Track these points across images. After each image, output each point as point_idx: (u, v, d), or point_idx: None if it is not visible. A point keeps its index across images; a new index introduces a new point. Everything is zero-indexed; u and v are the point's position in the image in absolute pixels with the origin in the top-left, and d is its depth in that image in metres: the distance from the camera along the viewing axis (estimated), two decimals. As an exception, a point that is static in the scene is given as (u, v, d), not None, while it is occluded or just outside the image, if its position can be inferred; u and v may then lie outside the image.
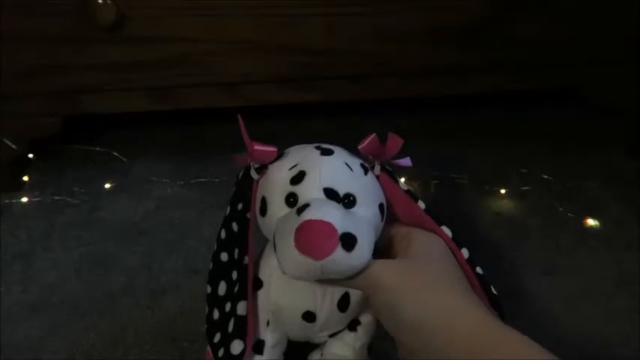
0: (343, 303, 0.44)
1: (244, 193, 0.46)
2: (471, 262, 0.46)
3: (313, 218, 0.39)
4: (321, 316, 0.44)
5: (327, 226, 0.38)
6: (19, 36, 0.69)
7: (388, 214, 0.45)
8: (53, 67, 0.72)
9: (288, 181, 0.43)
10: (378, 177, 0.46)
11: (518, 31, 0.73)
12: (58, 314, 0.66)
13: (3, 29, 0.68)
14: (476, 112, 0.94)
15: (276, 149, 0.45)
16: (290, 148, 0.47)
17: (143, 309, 0.66)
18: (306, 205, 0.40)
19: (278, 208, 0.43)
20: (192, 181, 0.83)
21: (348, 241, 0.39)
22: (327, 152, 0.44)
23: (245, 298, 0.44)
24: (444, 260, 0.43)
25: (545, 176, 0.82)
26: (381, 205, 0.44)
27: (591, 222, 0.76)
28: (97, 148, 0.87)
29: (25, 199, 0.81)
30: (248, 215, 0.45)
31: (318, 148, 0.45)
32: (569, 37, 0.74)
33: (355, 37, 0.72)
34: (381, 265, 0.41)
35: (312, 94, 0.77)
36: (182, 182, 0.83)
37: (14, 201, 0.81)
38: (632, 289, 0.67)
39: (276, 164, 0.45)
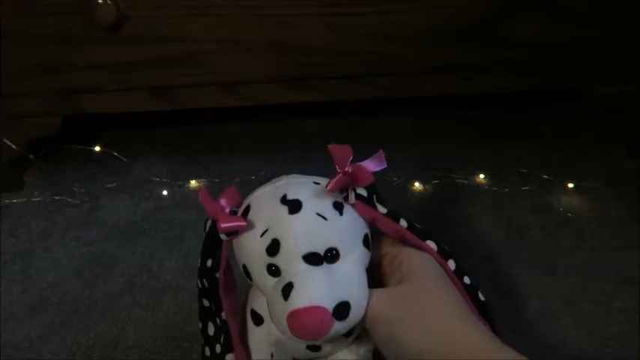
0: (349, 331, 0.44)
1: (213, 250, 0.44)
2: (458, 273, 0.45)
3: (301, 306, 0.38)
4: (326, 346, 0.44)
5: (318, 312, 0.38)
6: (19, 36, 0.69)
7: (374, 234, 0.44)
8: (53, 67, 0.72)
9: (264, 252, 0.40)
10: (353, 205, 0.43)
11: (518, 31, 0.73)
12: (58, 314, 0.66)
13: (3, 29, 0.68)
14: (476, 111, 0.94)
15: (244, 222, 0.41)
16: (252, 199, 0.43)
17: (143, 309, 0.66)
18: (290, 286, 0.39)
19: (262, 278, 0.41)
20: (192, 181, 0.83)
21: (342, 312, 0.38)
22: (295, 208, 0.40)
23: (232, 350, 0.44)
24: (437, 280, 0.42)
25: (545, 176, 0.82)
26: (365, 238, 0.43)
27: (591, 222, 0.76)
28: (97, 148, 0.87)
29: (25, 199, 0.81)
30: (217, 275, 0.44)
31: (284, 201, 0.41)
32: (569, 36, 0.74)
33: (355, 37, 0.72)
34: (377, 297, 0.41)
35: (311, 94, 0.77)
36: (182, 182, 0.83)
37: (14, 201, 0.81)
38: (632, 289, 0.67)
39: (246, 232, 0.41)
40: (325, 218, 0.41)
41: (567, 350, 0.61)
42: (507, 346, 0.38)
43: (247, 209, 0.43)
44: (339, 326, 0.39)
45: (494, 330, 0.45)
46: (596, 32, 0.74)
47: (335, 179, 0.41)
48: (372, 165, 0.43)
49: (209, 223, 0.44)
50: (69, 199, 0.81)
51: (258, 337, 0.45)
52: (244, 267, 0.42)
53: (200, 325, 0.47)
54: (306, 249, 0.40)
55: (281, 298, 0.39)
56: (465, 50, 0.75)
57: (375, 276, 0.44)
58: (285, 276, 0.40)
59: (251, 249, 0.41)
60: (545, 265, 0.70)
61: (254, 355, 0.46)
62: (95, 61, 0.72)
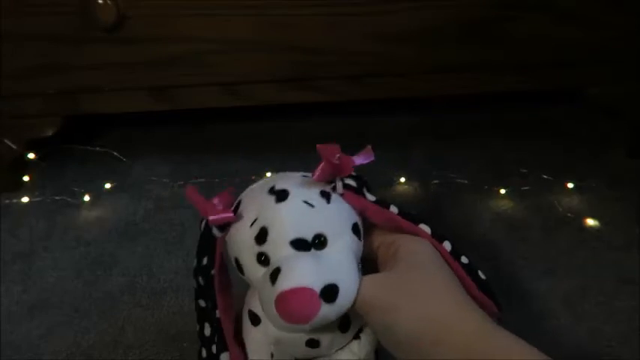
0: (344, 324, 0.44)
1: (208, 248, 0.44)
2: (454, 254, 0.45)
3: (287, 288, 0.38)
4: (324, 341, 0.44)
5: (304, 292, 0.37)
6: (19, 36, 0.69)
7: (366, 225, 0.44)
8: (53, 67, 0.72)
9: (253, 240, 0.41)
10: (342, 194, 0.44)
11: (519, 30, 0.73)
12: (58, 314, 0.66)
13: (3, 29, 0.68)
14: (476, 112, 0.94)
15: (232, 214, 0.42)
16: (243, 195, 0.45)
17: (143, 309, 0.66)
18: (278, 271, 0.39)
19: (253, 269, 0.41)
20: (192, 181, 0.83)
21: (330, 294, 0.38)
22: (282, 197, 0.41)
23: (226, 349, 0.44)
24: (434, 265, 0.42)
25: (545, 176, 0.82)
26: (354, 226, 0.43)
27: (591, 222, 0.76)
28: (97, 148, 0.87)
29: (25, 199, 0.81)
30: (213, 272, 0.44)
31: (271, 192, 0.42)
32: (569, 36, 0.74)
33: (355, 37, 0.72)
34: (371, 282, 0.41)
35: (312, 94, 0.77)
36: (182, 182, 0.83)
37: (14, 201, 0.81)
38: (632, 289, 0.67)
39: (236, 223, 0.42)
40: (312, 205, 0.41)
41: (567, 350, 0.61)
42: (504, 330, 0.38)
43: (238, 204, 0.44)
44: (328, 309, 0.38)
45: (498, 306, 0.45)
46: (596, 32, 0.74)
47: (320, 167, 0.42)
48: (359, 159, 0.44)
49: (204, 222, 0.44)
50: (69, 199, 0.81)
51: (256, 338, 0.45)
52: (236, 260, 0.43)
53: (197, 327, 0.47)
54: (294, 235, 0.40)
55: (269, 284, 0.39)
56: (465, 50, 0.75)
57: (372, 269, 0.44)
58: (273, 263, 0.40)
59: (241, 240, 0.42)
60: (545, 265, 0.70)
61: (253, 356, 0.46)
62: (95, 61, 0.72)
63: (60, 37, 0.70)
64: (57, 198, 0.81)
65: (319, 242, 0.41)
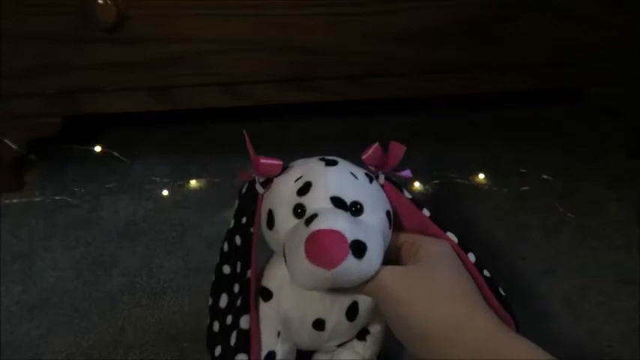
0: (351, 312, 0.45)
1: (248, 207, 0.46)
2: (478, 265, 0.46)
3: (322, 228, 0.39)
4: (329, 324, 0.44)
5: (337, 235, 0.38)
6: (19, 36, 0.69)
7: (395, 222, 0.46)
8: (53, 67, 0.72)
9: (295, 193, 0.43)
10: (382, 186, 0.46)
11: (519, 30, 0.73)
12: (58, 314, 0.66)
13: (3, 29, 0.68)
14: (476, 112, 0.94)
15: (281, 162, 0.45)
16: (294, 162, 0.47)
17: (143, 309, 0.66)
18: (315, 216, 0.40)
19: (286, 220, 0.43)
20: (192, 181, 0.83)
21: (359, 249, 0.39)
22: (332, 163, 0.45)
23: (248, 311, 0.44)
24: (452, 267, 0.43)
25: (545, 176, 0.82)
26: (387, 213, 0.44)
27: (591, 222, 0.76)
28: (97, 148, 0.87)
29: (25, 199, 0.81)
30: (251, 230, 0.45)
31: (322, 159, 0.45)
32: (570, 36, 0.74)
33: (355, 37, 0.72)
34: (390, 271, 0.41)
35: (312, 94, 0.77)
36: (182, 182, 0.83)
37: (14, 201, 0.81)
38: (632, 289, 0.67)
39: (281, 177, 0.45)
40: (356, 178, 0.44)
41: (567, 350, 0.61)
42: (516, 334, 0.38)
43: (287, 167, 0.46)
44: (353, 264, 0.39)
45: (517, 324, 0.45)
46: (596, 32, 0.74)
47: (372, 149, 0.45)
48: (399, 172, 0.47)
49: (245, 185, 0.47)
50: (69, 199, 0.81)
51: (266, 313, 0.46)
52: (269, 213, 0.44)
53: (210, 302, 0.47)
54: (335, 192, 0.42)
55: (303, 227, 0.40)
56: (465, 50, 0.75)
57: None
58: (309, 212, 0.41)
59: (283, 193, 0.44)
60: (545, 265, 0.70)
61: (261, 331, 0.46)
62: (95, 61, 0.72)
63: (60, 37, 0.70)
64: (57, 198, 0.81)
65: (355, 209, 0.42)
